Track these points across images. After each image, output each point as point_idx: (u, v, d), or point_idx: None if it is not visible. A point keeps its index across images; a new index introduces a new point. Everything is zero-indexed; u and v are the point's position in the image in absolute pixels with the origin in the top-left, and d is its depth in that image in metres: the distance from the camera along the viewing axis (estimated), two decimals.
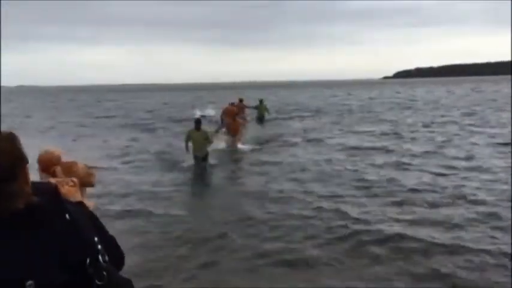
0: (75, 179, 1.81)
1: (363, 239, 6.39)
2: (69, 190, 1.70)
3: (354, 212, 7.65)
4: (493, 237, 6.43)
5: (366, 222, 7.12)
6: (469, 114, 25.59)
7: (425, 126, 20.69)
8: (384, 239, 6.33)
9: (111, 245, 1.27)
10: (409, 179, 9.91)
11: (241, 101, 24.10)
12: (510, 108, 25.88)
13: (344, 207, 7.87)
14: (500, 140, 15.26)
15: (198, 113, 22.11)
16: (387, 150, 13.86)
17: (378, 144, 15.25)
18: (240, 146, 14.68)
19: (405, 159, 12.28)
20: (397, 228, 6.77)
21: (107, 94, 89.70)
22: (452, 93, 55.69)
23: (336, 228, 6.82)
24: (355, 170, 10.96)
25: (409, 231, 6.66)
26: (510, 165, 11.15)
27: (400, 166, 11.44)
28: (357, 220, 7.22)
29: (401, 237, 6.40)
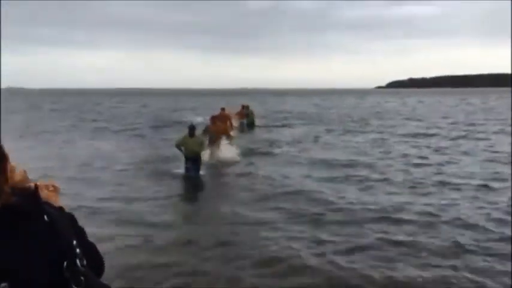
0: (56, 184, 1.69)
1: (325, 269, 5.87)
2: (49, 194, 1.59)
3: (317, 239, 7.01)
4: (472, 266, 5.98)
5: (333, 250, 6.54)
6: (453, 127, 25.11)
7: (408, 136, 20.47)
8: (350, 278, 5.66)
9: (91, 251, 1.22)
10: (383, 200, 9.33)
11: (243, 107, 24.25)
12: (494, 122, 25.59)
13: (313, 233, 7.31)
14: (483, 157, 14.91)
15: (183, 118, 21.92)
16: (366, 165, 13.35)
17: (357, 157, 14.80)
18: (220, 155, 13.95)
19: (385, 176, 11.74)
20: (362, 265, 6.00)
21: (101, 97, 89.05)
22: (442, 104, 55.79)
23: (302, 257, 6.27)
24: (329, 188, 10.38)
25: (379, 267, 5.99)
26: (484, 182, 10.84)
27: (377, 184, 10.83)
28: (319, 247, 6.64)
29: (367, 280, 5.59)
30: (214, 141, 13.99)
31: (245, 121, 23.48)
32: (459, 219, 7.92)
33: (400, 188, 10.37)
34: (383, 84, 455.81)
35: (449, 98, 79.80)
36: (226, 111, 19.57)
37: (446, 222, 7.72)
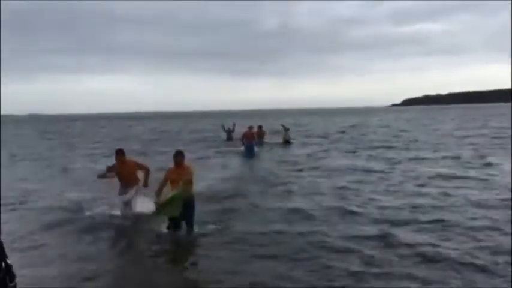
0: None
1: None
2: None
3: None
4: None
5: None
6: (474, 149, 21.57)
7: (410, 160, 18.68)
8: None
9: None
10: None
11: (260, 127, 25.92)
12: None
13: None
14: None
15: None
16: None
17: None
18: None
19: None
20: None
21: (120, 121, 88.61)
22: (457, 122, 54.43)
23: None
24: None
25: None
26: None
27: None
28: None
29: None
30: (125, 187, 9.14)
31: (282, 139, 25.80)
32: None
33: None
34: (398, 102, 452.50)
35: (466, 114, 77.94)
36: (254, 130, 22.13)
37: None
